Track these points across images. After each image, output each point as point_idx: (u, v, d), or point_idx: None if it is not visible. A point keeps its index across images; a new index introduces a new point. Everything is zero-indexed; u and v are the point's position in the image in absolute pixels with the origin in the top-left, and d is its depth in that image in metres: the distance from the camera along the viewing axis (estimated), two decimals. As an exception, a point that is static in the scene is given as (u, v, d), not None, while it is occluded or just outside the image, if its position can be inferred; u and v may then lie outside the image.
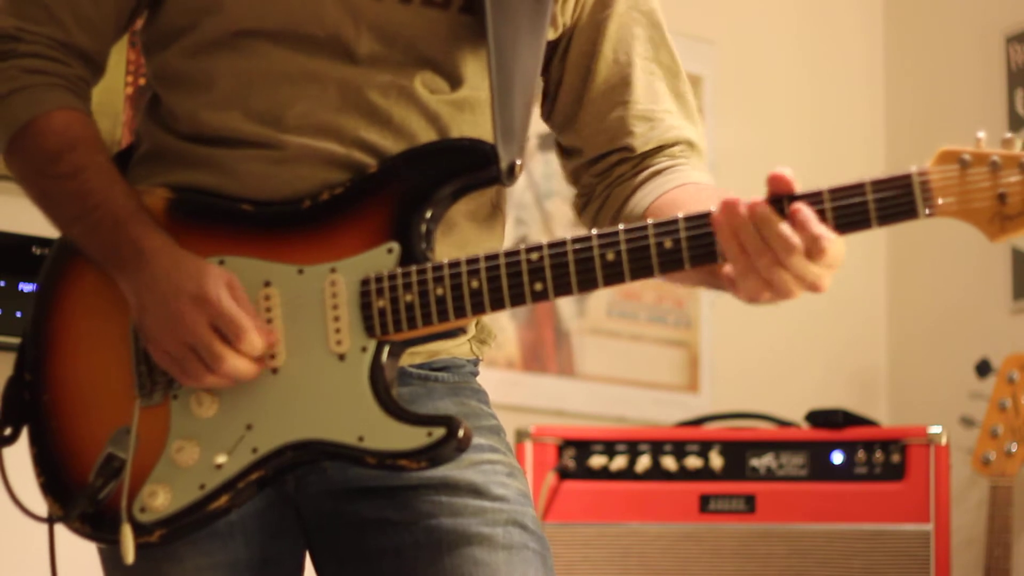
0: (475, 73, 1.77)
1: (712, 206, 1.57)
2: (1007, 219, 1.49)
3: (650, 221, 1.58)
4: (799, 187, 1.54)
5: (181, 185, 1.74)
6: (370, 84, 1.73)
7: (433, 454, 1.62)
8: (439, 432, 1.61)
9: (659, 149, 1.84)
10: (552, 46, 1.86)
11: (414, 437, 1.62)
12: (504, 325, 3.78)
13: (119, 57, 3.18)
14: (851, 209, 1.52)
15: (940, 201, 1.50)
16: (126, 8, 1.81)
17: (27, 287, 3.05)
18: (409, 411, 1.64)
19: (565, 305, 3.90)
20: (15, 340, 2.96)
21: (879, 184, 1.51)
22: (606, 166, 1.86)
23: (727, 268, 1.56)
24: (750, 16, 4.25)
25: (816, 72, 4.30)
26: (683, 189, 1.77)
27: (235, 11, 1.73)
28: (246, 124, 1.73)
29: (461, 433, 1.61)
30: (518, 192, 3.85)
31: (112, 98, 3.18)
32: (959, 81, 4.11)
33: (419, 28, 1.74)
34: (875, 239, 4.21)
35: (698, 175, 1.82)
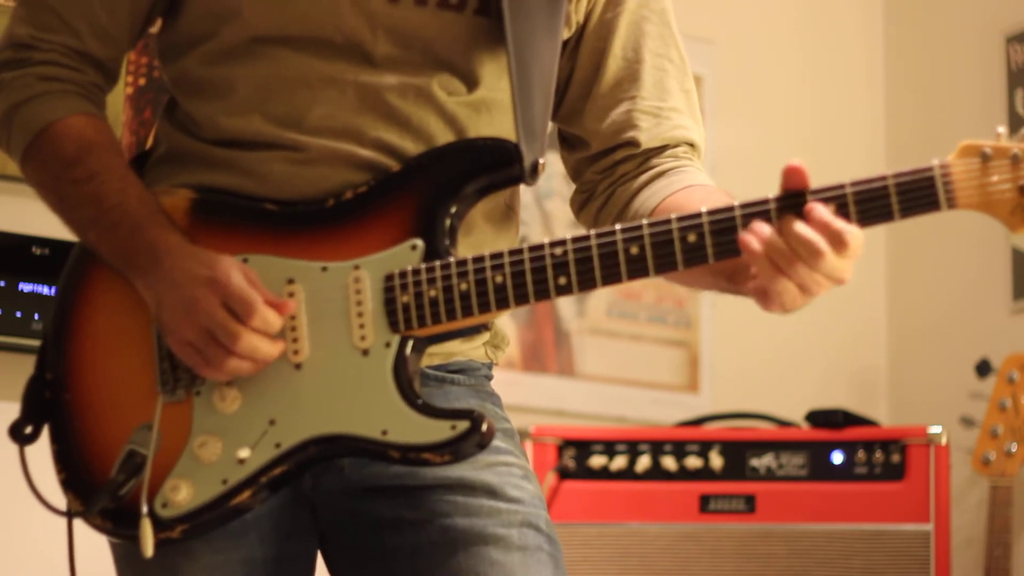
0: (491, 74, 1.78)
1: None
2: None
3: (673, 215, 1.59)
4: (812, 181, 1.56)
5: (203, 186, 1.75)
6: (388, 87, 1.74)
7: (456, 447, 1.62)
8: (463, 425, 1.62)
9: (663, 148, 1.85)
10: (563, 43, 1.87)
11: (438, 430, 1.63)
12: (505, 324, 3.78)
13: (119, 57, 3.19)
14: (874, 202, 1.54)
15: (961, 194, 1.53)
16: (140, 16, 1.82)
17: (27, 287, 3.05)
18: (433, 405, 1.65)
19: (565, 305, 3.91)
20: (15, 340, 3.01)
21: (901, 177, 1.54)
22: (610, 163, 1.86)
23: (756, 282, 1.58)
24: (750, 16, 4.25)
25: (816, 72, 4.30)
26: (691, 191, 1.78)
27: (253, 19, 1.74)
28: (266, 127, 1.74)
29: (484, 427, 1.62)
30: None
31: (112, 98, 3.18)
32: (959, 81, 4.12)
33: (435, 31, 1.75)
34: (875, 239, 4.21)
35: (702, 177, 1.83)
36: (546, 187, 3.90)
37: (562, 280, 1.62)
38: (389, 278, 1.66)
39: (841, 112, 4.27)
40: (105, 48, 1.81)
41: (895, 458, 3.24)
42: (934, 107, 4.16)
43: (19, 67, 1.79)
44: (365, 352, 1.66)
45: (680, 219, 1.59)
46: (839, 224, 1.53)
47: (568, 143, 1.91)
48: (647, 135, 1.84)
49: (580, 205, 1.91)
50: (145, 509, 1.66)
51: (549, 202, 3.90)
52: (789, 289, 1.56)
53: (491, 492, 1.73)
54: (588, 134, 1.87)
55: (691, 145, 1.87)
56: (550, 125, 1.84)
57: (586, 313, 3.93)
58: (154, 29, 1.88)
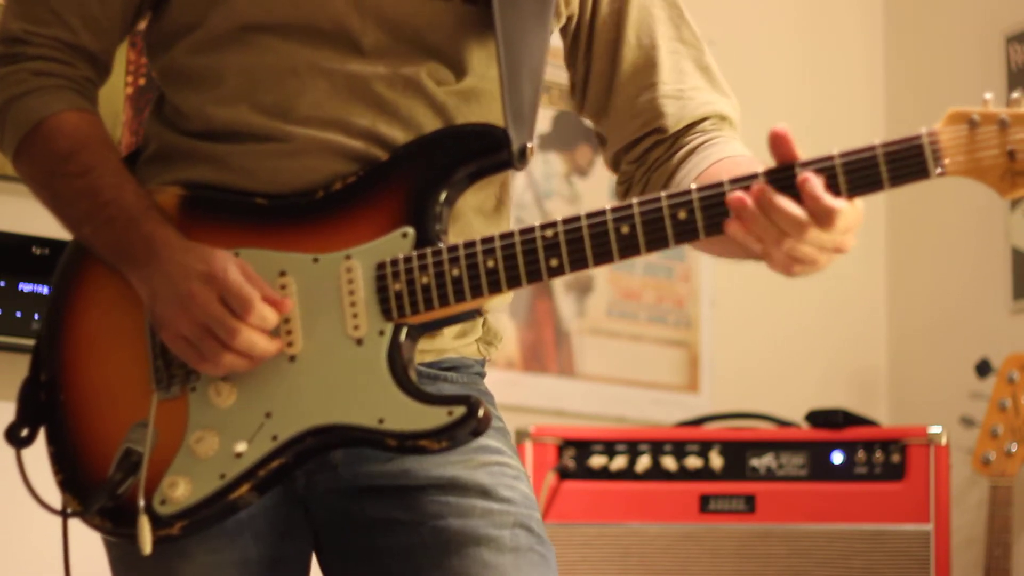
0: (480, 63, 1.78)
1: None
2: (1018, 175, 1.53)
3: (663, 193, 1.60)
4: (799, 146, 1.56)
5: (191, 182, 1.75)
6: (377, 76, 1.74)
7: (453, 433, 1.62)
8: (459, 411, 1.62)
9: (691, 127, 1.85)
10: (574, 39, 1.88)
11: (434, 417, 1.62)
12: (504, 325, 3.78)
13: (119, 57, 3.18)
14: (863, 172, 1.54)
15: (950, 160, 1.53)
16: (132, 7, 1.82)
17: (27, 287, 3.05)
18: (429, 392, 1.65)
19: (565, 305, 3.91)
20: (15, 340, 3.01)
21: (890, 146, 1.54)
22: (641, 151, 1.87)
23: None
24: (750, 16, 4.25)
25: (816, 72, 4.31)
26: (719, 165, 1.78)
27: (241, 6, 1.74)
28: (254, 117, 1.73)
29: (481, 413, 1.62)
30: (518, 192, 3.85)
31: (112, 98, 3.18)
32: (959, 81, 4.12)
33: (424, 18, 1.75)
34: (875, 239, 4.21)
35: (732, 147, 1.83)
36: (546, 187, 3.90)
37: (553, 262, 1.62)
38: (381, 267, 1.67)
39: (841, 112, 4.27)
40: (98, 40, 1.81)
41: (895, 458, 3.24)
42: (934, 107, 4.13)
43: (12, 62, 1.78)
44: (359, 341, 1.66)
45: (669, 196, 1.59)
46: (828, 200, 1.53)
47: (601, 140, 1.92)
48: (673, 120, 1.85)
49: (622, 196, 1.92)
50: (142, 504, 1.66)
51: (549, 202, 3.90)
52: (780, 258, 1.57)
53: (484, 492, 1.73)
54: (615, 127, 1.88)
55: (720, 117, 1.87)
56: (541, 114, 1.84)
57: (586, 313, 3.93)
58: (141, 25, 1.87)
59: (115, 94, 3.20)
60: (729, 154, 1.81)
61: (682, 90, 1.86)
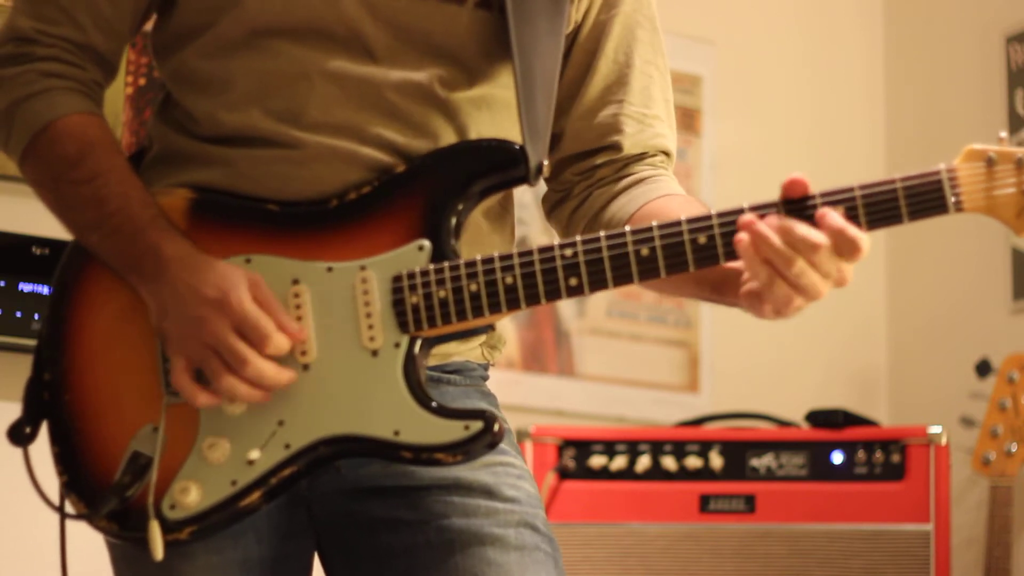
0: (492, 70, 1.78)
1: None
2: None
3: (683, 217, 1.60)
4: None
5: (198, 184, 1.73)
6: (389, 82, 1.73)
7: (469, 448, 1.63)
8: (476, 426, 1.62)
9: (643, 156, 1.87)
10: None
11: (451, 431, 1.63)
12: (504, 325, 3.78)
13: (119, 57, 3.19)
14: (883, 205, 1.57)
15: (968, 197, 1.56)
16: (141, 7, 1.81)
17: (27, 287, 3.06)
18: (444, 406, 1.65)
19: (565, 305, 3.91)
20: (15, 340, 3.01)
21: (909, 181, 1.57)
22: (590, 165, 1.88)
23: (748, 286, 1.59)
24: (750, 16, 4.26)
25: (816, 72, 4.31)
26: (669, 199, 1.80)
27: (253, 8, 1.73)
28: (265, 122, 1.73)
29: (496, 427, 1.63)
30: (518, 192, 3.85)
31: (112, 98, 3.18)
32: (959, 81, 4.12)
33: (436, 23, 1.75)
34: (875, 239, 4.20)
35: (677, 187, 1.86)
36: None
37: (573, 281, 1.63)
38: (397, 279, 1.66)
39: (841, 112, 4.27)
40: (108, 41, 1.79)
41: (895, 458, 3.24)
42: (934, 107, 4.16)
43: (21, 62, 1.76)
44: (375, 353, 1.66)
45: (690, 220, 1.60)
46: (852, 232, 1.55)
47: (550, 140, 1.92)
48: (630, 140, 1.86)
49: (553, 204, 1.93)
50: (152, 512, 1.66)
51: (549, 202, 3.90)
52: (783, 290, 1.57)
53: (488, 492, 1.74)
54: (571, 133, 1.88)
55: (667, 154, 1.89)
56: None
57: (586, 313, 3.93)
58: (147, 26, 1.86)
59: (115, 94, 3.20)
60: (676, 192, 1.83)
61: (645, 115, 1.87)
